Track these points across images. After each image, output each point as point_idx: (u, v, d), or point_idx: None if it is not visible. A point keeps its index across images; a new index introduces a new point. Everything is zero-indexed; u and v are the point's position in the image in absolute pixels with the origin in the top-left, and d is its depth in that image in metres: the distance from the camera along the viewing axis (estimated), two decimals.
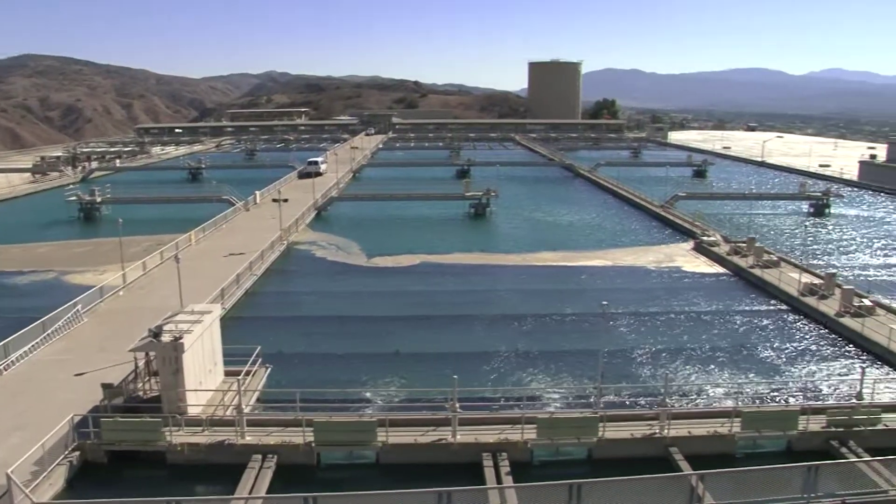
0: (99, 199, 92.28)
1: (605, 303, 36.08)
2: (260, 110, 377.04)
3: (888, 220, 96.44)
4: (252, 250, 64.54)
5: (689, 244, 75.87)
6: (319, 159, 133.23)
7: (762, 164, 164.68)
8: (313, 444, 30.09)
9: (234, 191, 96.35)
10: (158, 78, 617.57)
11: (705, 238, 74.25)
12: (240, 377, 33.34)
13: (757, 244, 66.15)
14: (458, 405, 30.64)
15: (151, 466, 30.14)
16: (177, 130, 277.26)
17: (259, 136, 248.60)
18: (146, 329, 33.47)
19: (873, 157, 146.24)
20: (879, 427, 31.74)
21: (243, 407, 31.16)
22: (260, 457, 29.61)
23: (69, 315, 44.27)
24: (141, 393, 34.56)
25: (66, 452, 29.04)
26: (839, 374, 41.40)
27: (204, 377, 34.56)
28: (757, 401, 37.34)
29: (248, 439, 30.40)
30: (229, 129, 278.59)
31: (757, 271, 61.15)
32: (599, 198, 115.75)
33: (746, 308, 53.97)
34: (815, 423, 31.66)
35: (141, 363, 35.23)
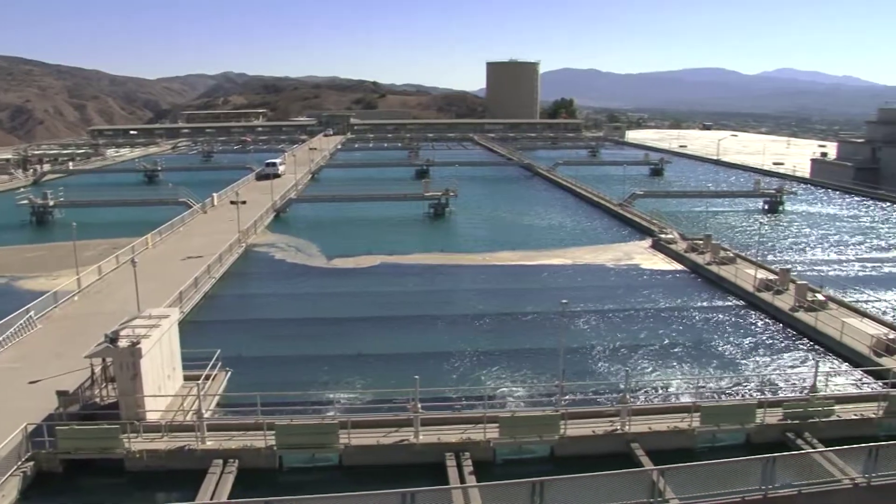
0: (52, 203, 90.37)
1: (564, 301, 36.27)
2: (217, 111, 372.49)
3: (839, 216, 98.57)
4: (210, 253, 63.80)
5: (647, 242, 76.77)
6: (277, 161, 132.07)
7: (717, 163, 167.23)
8: (275, 448, 29.85)
9: (192, 193, 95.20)
10: (112, 79, 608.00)
11: (663, 236, 75.19)
12: (199, 382, 32.92)
13: (713, 241, 67.08)
14: (419, 405, 30.64)
15: (109, 474, 29.63)
16: (132, 132, 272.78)
17: (216, 137, 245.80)
18: (102, 334, 32.85)
19: (824, 154, 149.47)
20: (833, 418, 32.46)
21: (203, 412, 30.75)
22: (221, 462, 29.30)
23: (21, 321, 43.23)
24: (98, 400, 33.95)
25: (20, 463, 28.37)
26: (794, 368, 42.20)
27: (163, 382, 34.08)
28: (715, 395, 37.92)
29: (209, 444, 30.05)
30: (185, 130, 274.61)
31: (714, 268, 62.02)
32: (558, 197, 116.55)
33: (704, 304, 54.74)
34: (772, 416, 32.24)
35: (97, 369, 34.61)
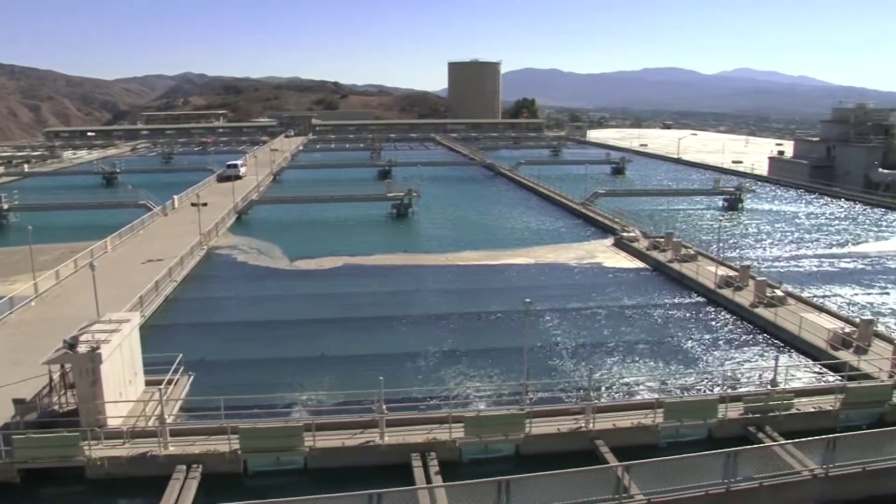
0: (6, 206, 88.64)
1: (528, 300, 36.44)
2: (176, 112, 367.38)
3: (796, 213, 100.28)
4: (171, 256, 62.99)
5: (610, 240, 77.41)
6: (239, 162, 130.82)
7: (678, 161, 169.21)
8: (239, 452, 29.58)
9: (152, 195, 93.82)
10: (68, 79, 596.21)
11: (625, 234, 75.85)
12: (161, 386, 32.53)
13: (675, 239, 67.87)
14: (384, 406, 30.57)
15: (69, 483, 29.13)
16: (89, 134, 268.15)
17: (176, 139, 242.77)
18: (61, 340, 32.28)
19: (781, 153, 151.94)
20: (793, 411, 33.06)
21: (166, 417, 30.37)
22: (184, 467, 28.94)
23: None
24: (56, 407, 33.30)
25: None
26: (755, 363, 42.87)
27: (124, 388, 33.59)
28: (678, 391, 38.37)
29: (172, 450, 29.69)
30: (145, 132, 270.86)
31: (675, 265, 62.76)
32: (521, 196, 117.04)
33: (666, 301, 55.36)
34: (734, 411, 32.72)
35: (56, 376, 33.94)
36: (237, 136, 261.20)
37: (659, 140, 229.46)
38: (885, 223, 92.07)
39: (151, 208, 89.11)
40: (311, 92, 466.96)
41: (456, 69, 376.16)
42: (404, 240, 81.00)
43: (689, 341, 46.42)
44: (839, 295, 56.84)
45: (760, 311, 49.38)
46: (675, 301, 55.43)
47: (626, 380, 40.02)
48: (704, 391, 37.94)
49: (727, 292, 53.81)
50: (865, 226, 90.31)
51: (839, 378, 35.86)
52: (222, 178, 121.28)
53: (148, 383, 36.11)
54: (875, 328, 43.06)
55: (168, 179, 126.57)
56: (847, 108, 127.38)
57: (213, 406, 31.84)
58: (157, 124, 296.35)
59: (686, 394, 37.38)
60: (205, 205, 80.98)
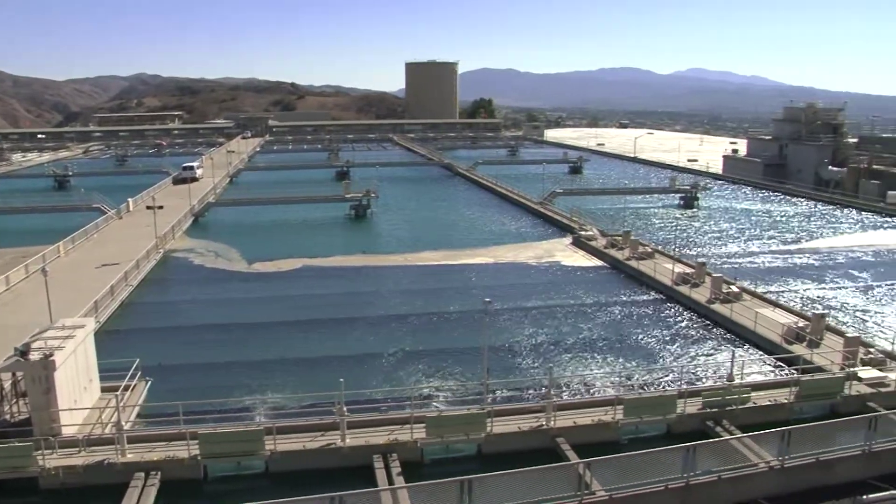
0: None
1: (487, 300, 36.56)
2: (130, 114, 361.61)
3: (750, 210, 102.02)
4: (127, 260, 62.06)
5: (568, 239, 77.97)
6: (195, 164, 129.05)
7: (634, 160, 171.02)
8: (199, 458, 29.19)
9: (106, 199, 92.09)
10: (15, 79, 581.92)
11: (583, 233, 76.48)
12: (118, 393, 31.93)
13: (632, 237, 68.62)
14: (345, 408, 30.43)
15: (22, 494, 28.47)
16: (39, 136, 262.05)
17: (130, 140, 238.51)
18: (12, 348, 31.56)
19: (735, 151, 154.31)
20: (749, 405, 33.63)
21: (123, 423, 29.86)
22: (143, 474, 28.47)
23: None
24: (8, 417, 32.55)
25: None
26: (712, 358, 43.52)
27: (79, 395, 32.94)
28: (637, 388, 38.77)
29: (130, 457, 29.18)
30: (97, 134, 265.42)
31: (633, 263, 63.45)
32: (479, 196, 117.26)
33: (624, 298, 55.92)
34: (692, 406, 33.18)
35: (7, 384, 33.18)
36: (193, 137, 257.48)
37: (615, 139, 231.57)
38: (835, 219, 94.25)
39: (106, 212, 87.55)
40: (268, 93, 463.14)
41: (413, 69, 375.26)
42: (363, 241, 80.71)
43: (648, 338, 46.97)
44: (792, 290, 58.03)
45: (717, 307, 50.14)
46: (633, 298, 56.02)
47: (586, 377, 40.35)
48: (663, 387, 38.36)
49: (684, 289, 54.52)
50: (817, 222, 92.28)
51: (793, 371, 36.56)
52: (178, 181, 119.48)
53: (104, 390, 35.45)
54: (827, 322, 44.01)
55: (122, 182, 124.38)
56: (798, 108, 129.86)
57: (171, 412, 31.38)
58: (110, 126, 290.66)
59: (645, 390, 37.75)
60: (160, 208, 79.89)
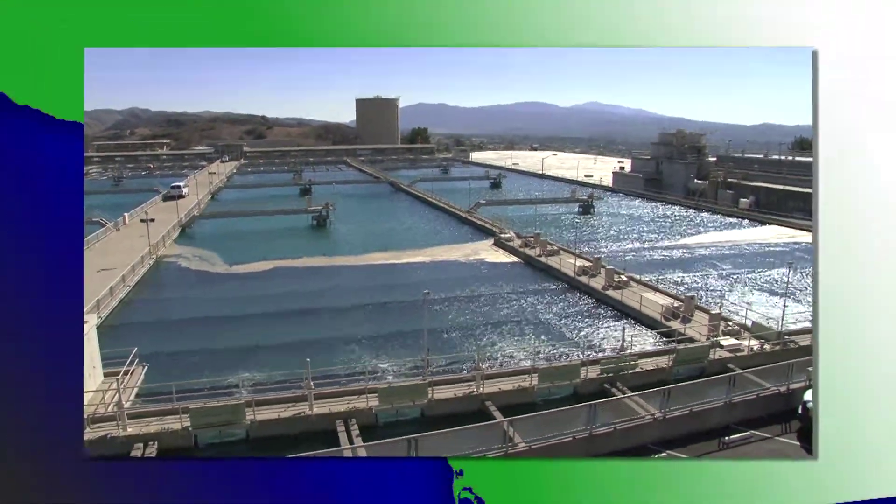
0: None
1: (426, 291, 36.55)
2: (125, 142, 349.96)
3: (635, 215, 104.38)
4: (124, 264, 60.06)
5: (490, 241, 78.43)
6: (181, 184, 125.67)
7: (543, 176, 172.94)
8: (190, 429, 28.48)
9: (105, 213, 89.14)
10: None
11: (502, 235, 77.05)
12: (119, 376, 30.94)
13: (542, 238, 69.38)
14: (312, 383, 30.11)
15: None
16: None
17: (125, 164, 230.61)
18: None
19: (622, 168, 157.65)
20: (637, 370, 34.37)
21: (123, 402, 28.96)
22: (142, 445, 27.66)
23: None
24: None
25: None
26: (607, 333, 44.34)
27: (84, 381, 31.73)
28: (549, 359, 39.27)
29: (130, 430, 28.28)
30: (96, 158, 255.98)
31: (542, 259, 64.19)
32: (418, 207, 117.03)
33: (537, 287, 56.52)
34: (593, 372, 33.70)
35: None
36: (179, 161, 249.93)
37: (528, 160, 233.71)
38: (698, 221, 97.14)
39: (104, 224, 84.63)
40: (242, 124, 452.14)
41: (362, 104, 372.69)
42: (324, 245, 79.75)
43: (556, 319, 47.59)
44: (669, 277, 59.52)
45: (610, 292, 51.09)
46: (544, 287, 56.63)
47: (507, 351, 40.70)
48: (569, 358, 38.91)
49: (584, 279, 55.42)
50: (686, 224, 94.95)
51: (671, 342, 37.50)
52: (167, 198, 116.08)
53: (106, 375, 34.19)
54: (696, 302, 45.28)
55: (118, 200, 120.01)
56: (670, 134, 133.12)
57: (165, 391, 30.51)
58: (107, 152, 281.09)
59: (555, 361, 38.26)
60: (153, 220, 77.58)
